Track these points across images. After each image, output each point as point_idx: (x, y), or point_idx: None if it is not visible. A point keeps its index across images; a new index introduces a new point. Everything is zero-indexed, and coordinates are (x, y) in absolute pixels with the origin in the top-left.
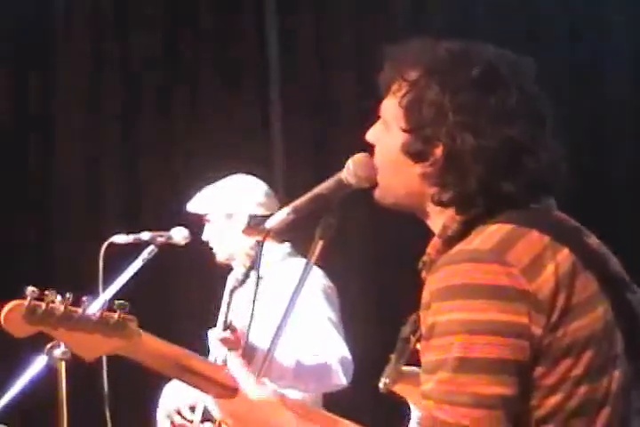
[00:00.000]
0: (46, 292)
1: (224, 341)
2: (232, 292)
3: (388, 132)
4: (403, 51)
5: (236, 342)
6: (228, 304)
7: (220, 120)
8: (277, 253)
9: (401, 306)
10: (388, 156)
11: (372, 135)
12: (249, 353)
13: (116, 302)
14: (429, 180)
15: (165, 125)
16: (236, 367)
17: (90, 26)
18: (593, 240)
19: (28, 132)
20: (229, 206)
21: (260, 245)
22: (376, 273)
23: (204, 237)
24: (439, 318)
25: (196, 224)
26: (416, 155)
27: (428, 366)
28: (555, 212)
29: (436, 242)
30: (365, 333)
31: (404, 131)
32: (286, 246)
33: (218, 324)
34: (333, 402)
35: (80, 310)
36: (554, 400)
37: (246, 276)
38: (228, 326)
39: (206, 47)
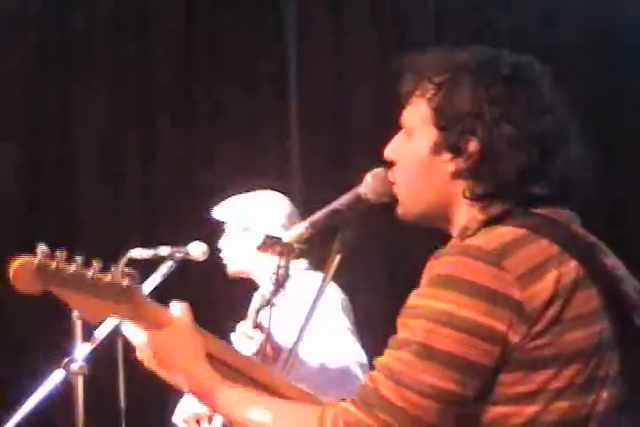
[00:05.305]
0: (57, 251)
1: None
2: (258, 311)
3: (410, 140)
4: (424, 58)
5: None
6: (257, 323)
7: (239, 134)
8: (295, 268)
9: None
10: (415, 162)
11: (391, 151)
12: (274, 351)
13: (125, 269)
14: (463, 175)
15: (184, 139)
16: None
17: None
18: (610, 260)
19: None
20: (248, 220)
21: (285, 260)
22: (387, 284)
23: (219, 245)
24: (420, 301)
25: (216, 233)
26: (452, 149)
27: (393, 342)
28: (574, 225)
29: (454, 242)
30: (375, 343)
31: (438, 128)
32: (303, 261)
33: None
34: None
35: (90, 273)
36: (530, 410)
37: (275, 295)
38: (257, 325)
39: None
